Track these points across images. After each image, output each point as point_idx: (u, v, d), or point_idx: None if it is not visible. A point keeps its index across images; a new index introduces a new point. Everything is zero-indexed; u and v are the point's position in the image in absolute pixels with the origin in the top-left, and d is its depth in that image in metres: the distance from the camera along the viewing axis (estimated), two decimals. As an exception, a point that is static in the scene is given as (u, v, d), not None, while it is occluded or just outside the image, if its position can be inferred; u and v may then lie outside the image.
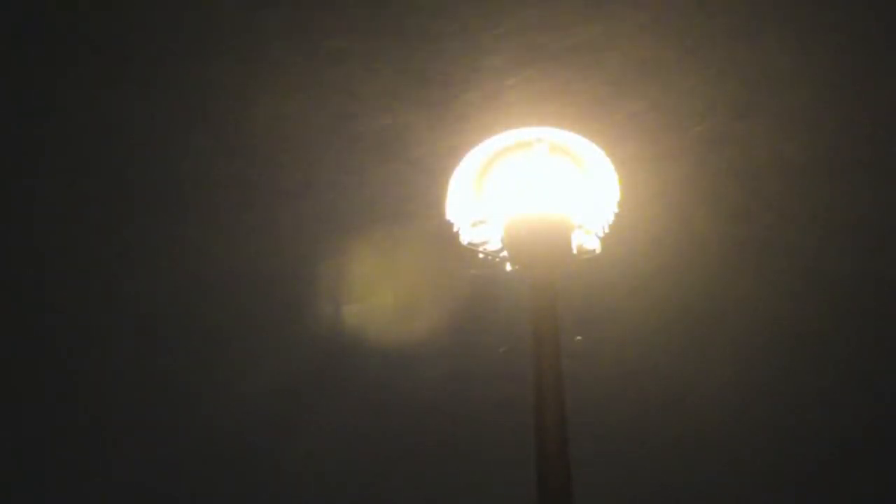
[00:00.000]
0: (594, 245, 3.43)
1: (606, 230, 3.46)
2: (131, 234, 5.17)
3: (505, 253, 3.38)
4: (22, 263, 5.29)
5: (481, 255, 3.47)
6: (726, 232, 5.16)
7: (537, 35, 4.36)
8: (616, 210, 3.45)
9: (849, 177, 4.94)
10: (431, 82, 4.50)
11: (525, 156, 3.40)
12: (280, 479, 6.63)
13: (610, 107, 4.57)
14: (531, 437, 3.03)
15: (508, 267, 3.39)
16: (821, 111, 4.68)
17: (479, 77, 4.48)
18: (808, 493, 6.63)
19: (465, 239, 3.47)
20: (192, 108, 4.63)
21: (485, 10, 4.28)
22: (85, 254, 5.24)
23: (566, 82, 4.50)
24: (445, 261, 5.19)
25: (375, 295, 5.51)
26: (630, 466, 6.43)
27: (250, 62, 4.45)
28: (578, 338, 3.25)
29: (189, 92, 4.57)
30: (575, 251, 3.36)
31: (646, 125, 4.68)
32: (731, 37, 4.37)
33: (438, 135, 4.66)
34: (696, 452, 6.36)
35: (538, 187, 3.34)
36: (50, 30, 4.30)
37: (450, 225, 3.48)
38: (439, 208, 3.49)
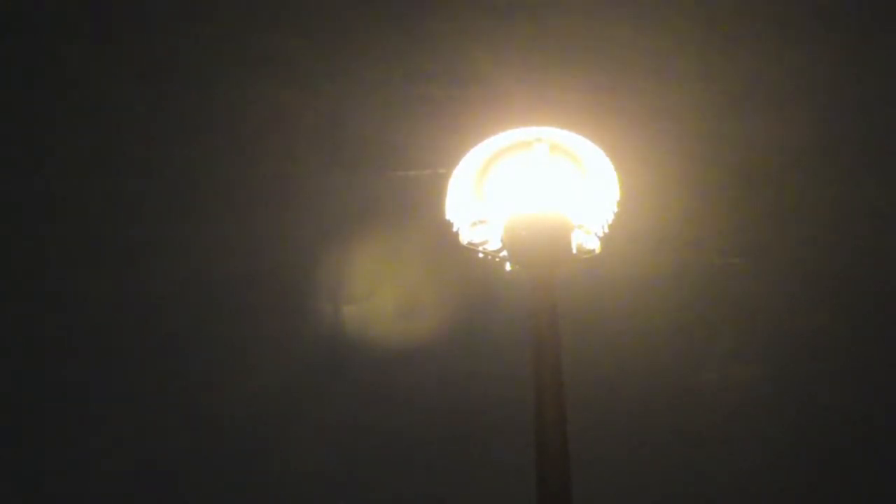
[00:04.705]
0: (594, 245, 3.43)
1: (606, 230, 3.46)
2: (132, 235, 5.17)
3: (505, 253, 3.38)
4: (24, 263, 5.29)
5: (481, 255, 3.46)
6: (726, 232, 5.16)
7: (537, 35, 4.36)
8: (616, 210, 3.45)
9: (850, 176, 4.94)
10: (431, 82, 4.50)
11: (525, 156, 3.40)
12: (280, 478, 6.64)
13: (610, 107, 4.57)
14: (531, 437, 3.03)
15: (508, 267, 3.39)
16: (823, 111, 4.68)
17: (479, 77, 4.48)
18: (808, 493, 6.63)
19: (465, 239, 3.46)
20: (193, 110, 4.63)
21: (485, 12, 4.28)
22: (86, 254, 5.24)
23: (566, 82, 4.50)
24: (445, 261, 5.19)
25: (375, 295, 5.51)
26: (630, 466, 6.43)
27: (252, 64, 4.45)
28: None
29: (190, 94, 4.57)
30: (575, 251, 3.35)
31: (646, 125, 4.68)
32: (730, 38, 4.38)
33: (438, 135, 4.66)
34: (695, 452, 6.36)
35: (538, 187, 3.34)
36: (52, 30, 4.30)
37: (450, 225, 3.47)
38: (439, 208, 3.49)
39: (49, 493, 6.73)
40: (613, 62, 4.44)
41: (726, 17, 4.30)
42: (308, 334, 5.68)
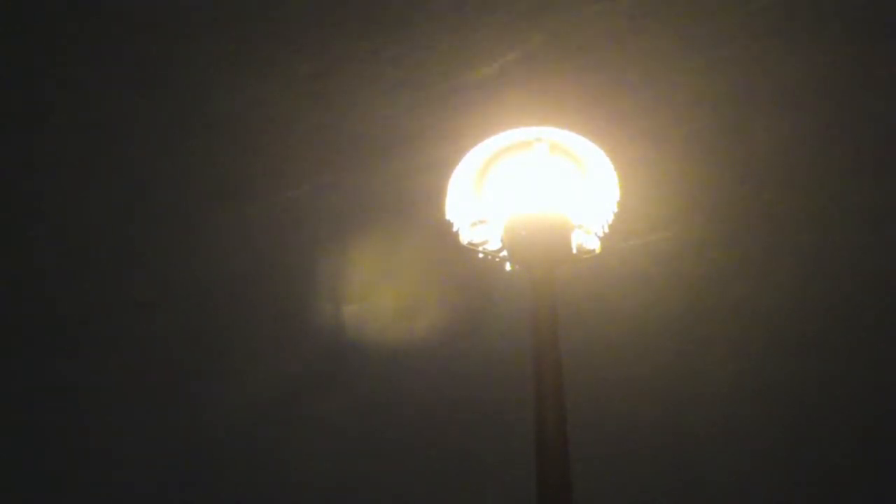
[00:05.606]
0: (594, 245, 3.43)
1: (606, 230, 3.46)
2: (131, 235, 5.17)
3: (505, 253, 3.38)
4: (22, 264, 5.29)
5: (481, 255, 3.47)
6: (726, 231, 5.16)
7: (537, 35, 4.36)
8: (616, 210, 3.46)
9: (851, 175, 4.94)
10: (431, 82, 4.50)
11: (525, 156, 3.40)
12: (280, 479, 6.64)
13: (609, 106, 4.57)
14: (531, 437, 3.03)
15: (508, 267, 3.40)
16: (823, 110, 4.68)
17: (479, 77, 4.48)
18: (809, 493, 6.63)
19: (465, 239, 3.47)
20: (191, 109, 4.63)
21: (484, 11, 4.28)
22: (85, 254, 5.24)
23: (566, 82, 4.50)
24: (445, 261, 5.19)
25: (375, 294, 5.51)
26: (630, 466, 6.43)
27: (250, 63, 4.45)
28: None
29: (188, 92, 4.57)
30: (575, 251, 3.36)
31: (646, 125, 4.68)
32: (732, 36, 4.37)
33: (438, 135, 4.66)
34: (696, 452, 6.37)
35: (538, 187, 3.34)
36: (50, 31, 4.30)
37: (450, 225, 3.48)
38: (439, 208, 3.49)
39: (48, 494, 6.73)
40: (613, 61, 4.43)
41: (727, 15, 4.30)
42: (307, 335, 5.68)
